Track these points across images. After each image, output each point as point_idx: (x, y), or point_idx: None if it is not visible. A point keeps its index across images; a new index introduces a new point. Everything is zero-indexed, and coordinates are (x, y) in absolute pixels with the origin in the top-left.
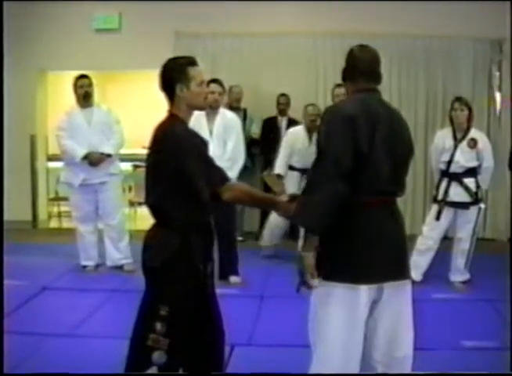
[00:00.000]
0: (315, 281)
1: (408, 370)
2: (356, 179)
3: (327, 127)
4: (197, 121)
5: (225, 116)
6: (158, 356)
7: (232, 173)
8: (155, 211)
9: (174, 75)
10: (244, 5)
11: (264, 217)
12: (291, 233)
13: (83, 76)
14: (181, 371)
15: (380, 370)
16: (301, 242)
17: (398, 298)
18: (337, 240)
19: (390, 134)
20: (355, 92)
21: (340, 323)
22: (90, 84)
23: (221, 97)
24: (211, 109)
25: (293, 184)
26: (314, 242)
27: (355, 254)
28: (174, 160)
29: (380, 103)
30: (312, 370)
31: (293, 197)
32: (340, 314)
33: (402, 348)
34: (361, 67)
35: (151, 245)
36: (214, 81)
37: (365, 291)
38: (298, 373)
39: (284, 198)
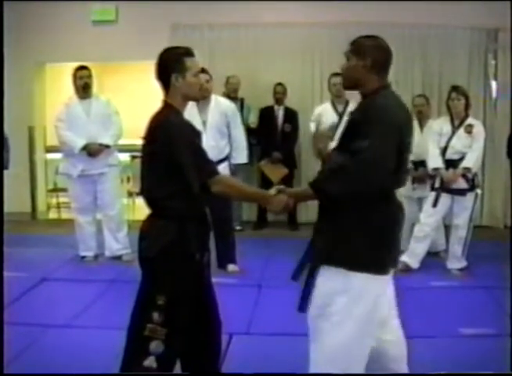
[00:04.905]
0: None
1: (404, 351)
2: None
3: (376, 128)
4: (188, 113)
5: (220, 104)
6: (155, 346)
7: (243, 158)
8: (150, 201)
9: (170, 65)
10: None
11: (262, 207)
12: (290, 223)
13: (83, 67)
14: (178, 363)
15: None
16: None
17: (390, 286)
18: (362, 231)
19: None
20: (381, 87)
21: (360, 313)
22: (90, 76)
23: (210, 85)
24: (203, 98)
25: None
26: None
27: (380, 245)
28: (166, 150)
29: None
30: (322, 359)
31: (280, 191)
32: (360, 304)
33: (392, 331)
34: (389, 62)
35: (147, 235)
36: (201, 70)
37: (385, 281)
38: (296, 362)
39: (272, 192)
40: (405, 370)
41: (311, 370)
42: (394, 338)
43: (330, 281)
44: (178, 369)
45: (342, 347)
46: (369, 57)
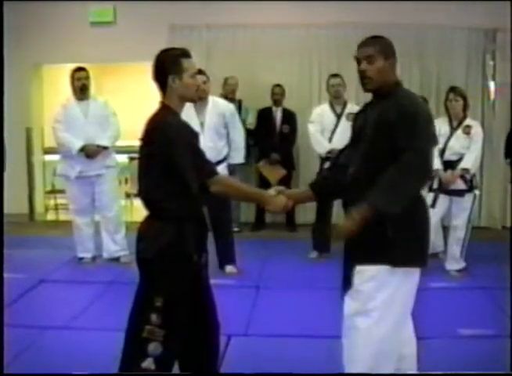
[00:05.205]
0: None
1: (413, 351)
2: None
3: (419, 126)
4: (185, 114)
5: (218, 105)
6: (154, 348)
7: (240, 158)
8: (148, 202)
9: (167, 66)
10: None
11: (260, 208)
12: (288, 224)
13: (80, 68)
14: (176, 364)
15: None
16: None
17: None
18: (405, 227)
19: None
20: (397, 84)
21: (398, 307)
22: (87, 77)
23: (207, 86)
24: (200, 100)
25: None
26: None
27: (421, 238)
28: (164, 151)
29: None
30: (365, 354)
31: (280, 192)
32: (398, 298)
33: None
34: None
35: (145, 236)
36: (198, 72)
37: (418, 276)
38: (294, 363)
39: (272, 192)
40: (412, 370)
41: (351, 368)
42: (401, 338)
43: (372, 280)
44: (176, 370)
45: (385, 341)
46: (393, 56)
